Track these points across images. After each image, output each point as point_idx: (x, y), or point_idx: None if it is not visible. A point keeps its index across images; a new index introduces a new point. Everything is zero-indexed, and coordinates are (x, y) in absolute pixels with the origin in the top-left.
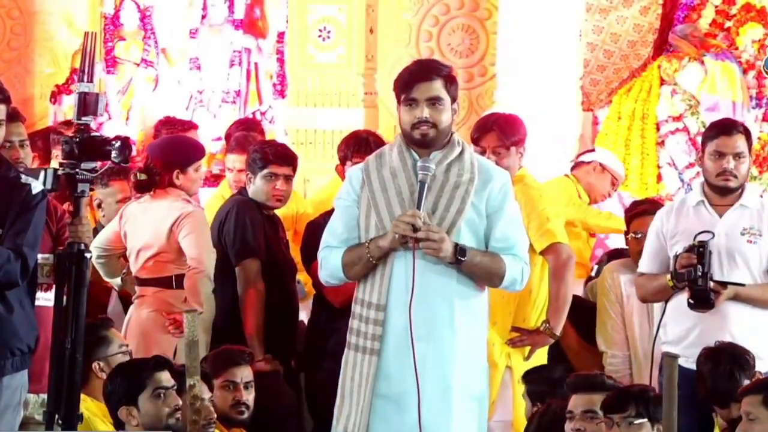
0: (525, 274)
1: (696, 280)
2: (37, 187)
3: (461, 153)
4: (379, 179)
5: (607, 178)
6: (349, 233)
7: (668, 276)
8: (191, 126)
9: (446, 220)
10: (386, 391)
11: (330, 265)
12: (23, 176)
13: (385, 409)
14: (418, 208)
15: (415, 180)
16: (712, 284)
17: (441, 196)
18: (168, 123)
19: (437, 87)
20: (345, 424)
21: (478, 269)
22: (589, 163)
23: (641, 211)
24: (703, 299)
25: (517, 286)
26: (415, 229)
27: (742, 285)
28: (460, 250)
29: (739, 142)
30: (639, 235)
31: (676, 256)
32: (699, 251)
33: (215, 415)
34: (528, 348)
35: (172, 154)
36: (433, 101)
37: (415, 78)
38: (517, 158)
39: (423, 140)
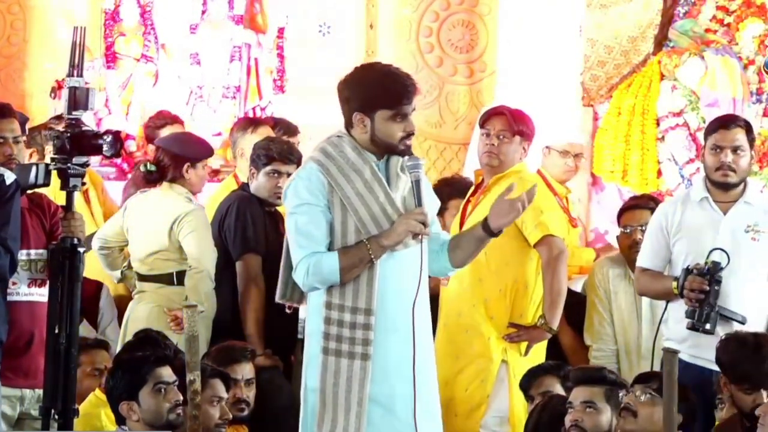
0: None
1: (706, 321)
2: (9, 177)
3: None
4: (348, 183)
5: (555, 156)
6: (328, 238)
7: (674, 283)
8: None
9: None
10: (375, 394)
11: (324, 269)
12: None
13: (374, 412)
14: (419, 205)
15: (384, 180)
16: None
17: (407, 197)
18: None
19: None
20: (330, 430)
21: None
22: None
23: (630, 206)
24: (706, 333)
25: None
26: (425, 226)
27: (743, 323)
28: None
29: (738, 136)
30: (628, 230)
31: (688, 270)
32: (710, 278)
33: (230, 416)
34: (525, 343)
35: (185, 147)
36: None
37: (411, 92)
38: (519, 150)
39: (406, 152)
